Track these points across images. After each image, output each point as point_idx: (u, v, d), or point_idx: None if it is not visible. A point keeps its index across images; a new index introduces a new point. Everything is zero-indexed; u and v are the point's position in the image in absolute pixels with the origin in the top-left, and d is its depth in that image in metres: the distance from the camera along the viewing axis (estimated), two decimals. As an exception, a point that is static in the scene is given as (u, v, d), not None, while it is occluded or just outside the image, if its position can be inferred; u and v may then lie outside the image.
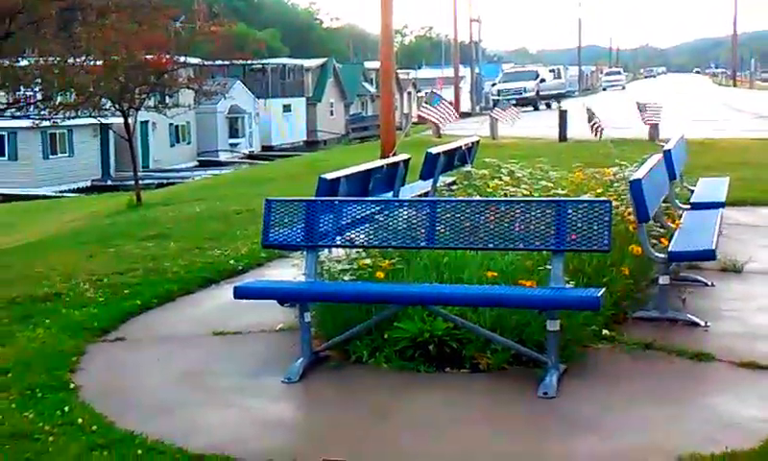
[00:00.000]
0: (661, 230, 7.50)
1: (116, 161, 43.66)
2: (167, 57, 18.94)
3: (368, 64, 71.24)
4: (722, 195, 9.22)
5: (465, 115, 46.24)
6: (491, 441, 4.63)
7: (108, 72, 16.70)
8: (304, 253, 6.26)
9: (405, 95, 64.95)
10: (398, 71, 58.68)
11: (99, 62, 15.99)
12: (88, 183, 41.16)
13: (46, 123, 15.17)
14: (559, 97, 50.72)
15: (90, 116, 19.01)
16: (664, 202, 8.17)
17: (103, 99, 17.77)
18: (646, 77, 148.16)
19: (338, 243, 6.37)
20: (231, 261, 9.13)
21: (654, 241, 7.00)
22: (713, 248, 6.58)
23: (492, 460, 4.40)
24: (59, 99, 14.55)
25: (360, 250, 6.55)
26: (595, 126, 9.25)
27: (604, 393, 5.21)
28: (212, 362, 6.11)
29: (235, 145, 52.81)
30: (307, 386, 5.53)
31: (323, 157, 28.81)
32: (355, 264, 6.52)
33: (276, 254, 8.94)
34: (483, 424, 4.85)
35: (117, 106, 18.62)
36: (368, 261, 6.45)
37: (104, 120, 21.26)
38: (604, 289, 5.36)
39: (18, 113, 14.06)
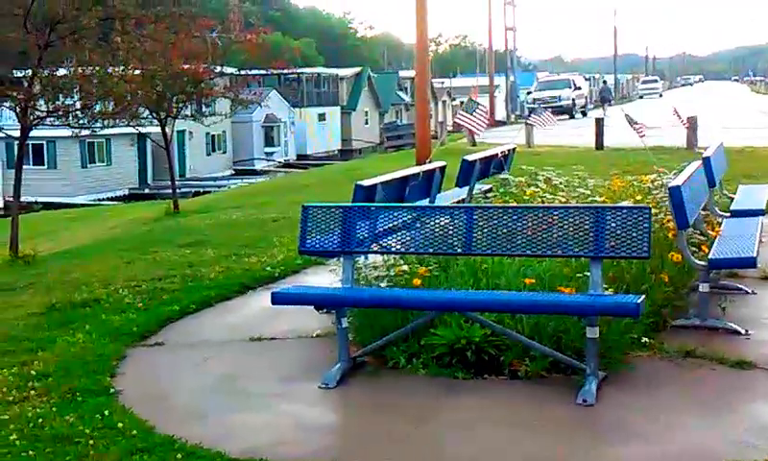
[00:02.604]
0: (701, 238, 7.43)
1: (153, 170, 44.13)
2: (204, 66, 19.09)
3: (402, 73, 71.42)
4: (762, 202, 9.12)
5: (500, 124, 46.16)
6: (529, 448, 4.60)
7: (146, 81, 16.86)
8: (341, 259, 6.27)
9: (440, 104, 64.94)
10: (433, 80, 58.72)
11: (137, 72, 16.15)
12: (126, 192, 41.61)
13: (85, 132, 15.28)
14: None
15: (128, 125, 19.19)
16: (704, 210, 8.10)
17: (140, 108, 17.94)
18: (683, 85, 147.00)
19: (374, 249, 6.36)
20: (268, 268, 9.17)
21: (693, 249, 6.93)
22: (754, 255, 6.50)
23: (531, 467, 4.37)
24: (97, 108, 14.66)
25: (397, 256, 6.55)
26: (638, 129, 9.22)
27: (644, 400, 5.16)
28: (250, 367, 6.13)
29: (271, 154, 53.12)
30: (344, 392, 5.53)
31: (358, 166, 28.86)
32: (392, 271, 6.53)
33: (313, 260, 8.96)
34: (521, 430, 4.82)
35: (154, 115, 18.81)
36: (404, 268, 6.44)
37: (141, 129, 21.48)
38: (644, 296, 5.31)
39: (57, 122, 14.17)
